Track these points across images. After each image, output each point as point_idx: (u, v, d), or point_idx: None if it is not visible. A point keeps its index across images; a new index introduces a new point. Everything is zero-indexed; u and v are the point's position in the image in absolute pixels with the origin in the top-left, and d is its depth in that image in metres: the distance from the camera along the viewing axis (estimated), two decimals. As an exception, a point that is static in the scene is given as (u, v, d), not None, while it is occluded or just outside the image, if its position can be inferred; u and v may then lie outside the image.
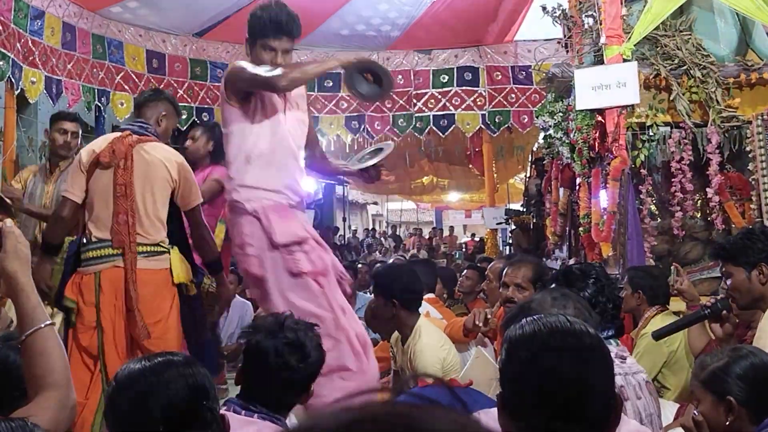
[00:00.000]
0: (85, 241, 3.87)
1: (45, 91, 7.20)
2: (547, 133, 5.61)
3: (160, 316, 3.82)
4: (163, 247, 3.90)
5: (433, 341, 4.12)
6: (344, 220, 20.42)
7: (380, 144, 4.10)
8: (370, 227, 28.94)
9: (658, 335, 3.54)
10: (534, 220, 7.87)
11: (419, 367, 4.07)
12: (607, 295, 2.97)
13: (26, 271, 1.88)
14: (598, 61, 5.12)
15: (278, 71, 3.46)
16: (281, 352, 2.44)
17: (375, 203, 30.22)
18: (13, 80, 6.77)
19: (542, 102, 5.83)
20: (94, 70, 7.87)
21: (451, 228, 25.13)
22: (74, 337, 3.82)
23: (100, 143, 3.99)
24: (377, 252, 20.80)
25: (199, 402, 1.80)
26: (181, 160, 4.01)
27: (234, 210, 3.66)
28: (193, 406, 1.81)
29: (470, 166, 12.39)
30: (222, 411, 2.46)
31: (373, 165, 3.98)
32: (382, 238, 24.35)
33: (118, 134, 4.01)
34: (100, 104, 7.98)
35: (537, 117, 5.58)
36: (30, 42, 7.00)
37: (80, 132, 5.31)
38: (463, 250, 18.72)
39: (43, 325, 1.85)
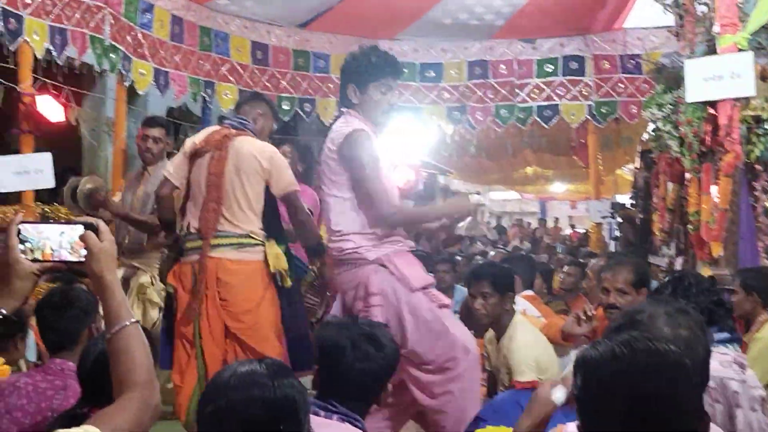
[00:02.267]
0: (185, 231, 3.97)
1: (153, 83, 7.38)
2: (656, 126, 5.39)
3: (249, 306, 3.87)
4: (254, 238, 3.94)
5: (528, 340, 4.02)
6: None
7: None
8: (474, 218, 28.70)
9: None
10: (641, 215, 7.61)
11: (513, 366, 3.98)
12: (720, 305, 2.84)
13: (112, 269, 1.87)
14: (711, 50, 4.88)
15: (396, 211, 3.60)
16: (358, 343, 2.42)
17: (478, 193, 29.92)
18: (123, 72, 6.98)
19: (651, 94, 5.60)
20: (200, 61, 8.02)
21: (556, 219, 24.64)
22: (177, 323, 3.94)
23: (201, 135, 4.09)
24: (479, 243, 20.63)
25: (278, 423, 1.75)
26: (273, 150, 4.05)
27: (348, 263, 3.67)
28: (271, 429, 1.75)
29: (574, 157, 12.10)
30: None
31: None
32: (485, 229, 24.14)
33: (217, 127, 4.10)
34: (205, 95, 8.13)
35: (645, 109, 5.37)
36: (140, 35, 7.18)
37: (164, 136, 5.34)
38: (566, 242, 18.38)
39: (128, 323, 1.84)
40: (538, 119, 9.25)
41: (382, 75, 3.68)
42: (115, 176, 7.04)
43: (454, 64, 9.40)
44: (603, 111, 9.05)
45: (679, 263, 5.47)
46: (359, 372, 2.43)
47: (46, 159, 5.82)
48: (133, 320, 1.87)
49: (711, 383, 2.57)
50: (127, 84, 7.14)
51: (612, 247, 8.97)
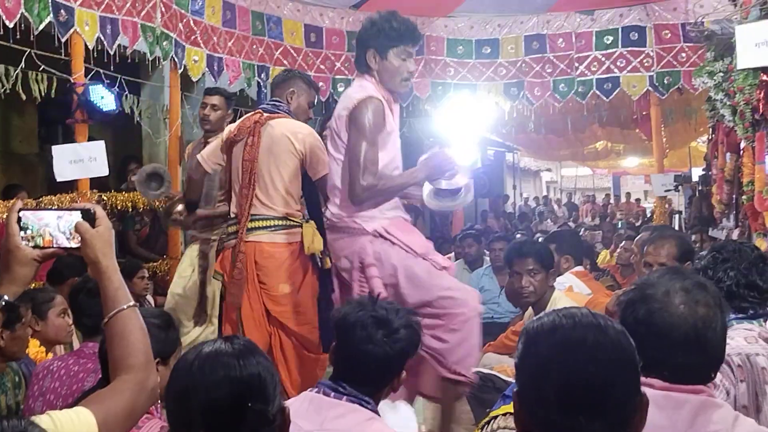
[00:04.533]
0: (229, 217, 4.04)
1: (207, 69, 7.46)
2: (709, 95, 5.21)
3: (288, 289, 3.88)
4: (292, 220, 3.96)
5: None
6: (514, 187, 20.10)
7: (457, 183, 3.79)
8: (544, 194, 28.37)
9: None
10: (699, 187, 7.37)
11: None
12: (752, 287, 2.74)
13: (108, 254, 1.88)
14: (765, 15, 4.68)
15: (372, 181, 3.48)
16: (366, 325, 2.39)
17: (548, 170, 29.55)
18: (176, 60, 7.07)
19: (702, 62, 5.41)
20: (254, 46, 8.07)
21: (628, 194, 24.15)
22: (224, 309, 4.01)
23: (236, 122, 4.13)
24: (548, 220, 20.39)
25: (244, 402, 1.73)
26: (309, 131, 4.05)
27: (345, 231, 3.65)
28: (238, 406, 1.73)
29: (636, 130, 11.79)
30: (313, 393, 2.45)
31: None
32: (555, 206, 23.84)
33: (251, 113, 4.13)
34: (260, 80, 8.18)
35: (695, 77, 5.19)
36: (192, 22, 7.26)
37: (224, 105, 5.48)
38: (639, 217, 18.00)
39: (125, 307, 1.87)
40: (598, 92, 9.04)
41: (402, 41, 3.62)
42: (171, 163, 7.16)
43: (510, 39, 9.25)
44: (665, 82, 8.78)
45: (735, 235, 5.29)
46: (364, 354, 2.41)
47: (99, 147, 5.96)
48: (130, 304, 1.89)
49: (736, 360, 2.47)
50: (180, 71, 7.23)
51: (675, 221, 8.71)
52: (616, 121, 11.74)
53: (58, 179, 5.91)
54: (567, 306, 1.61)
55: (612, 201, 23.38)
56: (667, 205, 9.36)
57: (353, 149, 3.52)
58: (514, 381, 3.42)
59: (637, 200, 23.82)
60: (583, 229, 11.47)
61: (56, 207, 2.00)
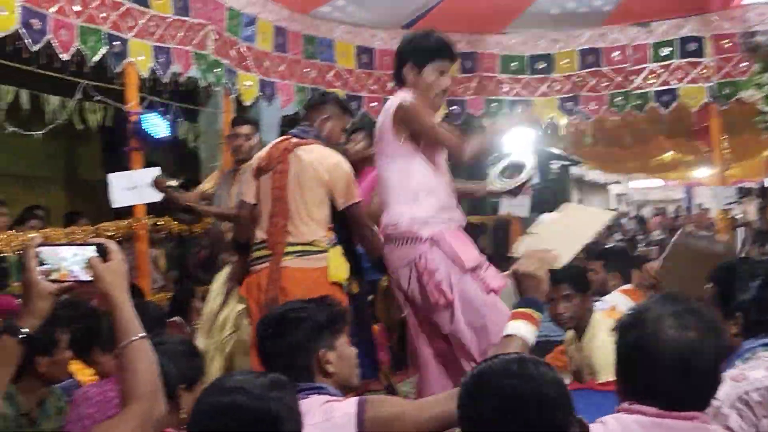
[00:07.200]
0: (252, 242, 4.07)
1: (260, 94, 7.59)
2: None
3: None
4: (318, 246, 3.98)
5: (609, 339, 3.87)
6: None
7: (516, 159, 3.84)
8: (613, 208, 27.87)
9: None
10: (759, 199, 7.18)
11: (595, 366, 3.86)
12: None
13: (119, 286, 1.96)
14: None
15: (461, 141, 3.62)
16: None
17: (617, 182, 29.04)
18: (228, 86, 7.22)
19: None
20: (306, 69, 8.17)
21: (699, 205, 23.52)
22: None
23: (265, 149, 4.18)
24: (617, 234, 20.03)
25: None
26: (337, 159, 4.07)
27: (400, 240, 3.67)
28: None
29: (696, 141, 11.52)
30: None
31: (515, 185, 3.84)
32: (624, 219, 23.39)
33: (279, 139, 4.17)
34: (312, 103, 8.26)
35: (742, 90, 5.07)
36: (243, 48, 7.40)
37: (254, 133, 5.53)
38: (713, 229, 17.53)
39: (135, 338, 1.94)
40: (656, 105, 8.88)
41: (439, 56, 3.68)
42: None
43: (564, 53, 9.17)
44: (725, 93, 8.57)
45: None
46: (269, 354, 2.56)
47: (153, 173, 6.11)
48: (141, 335, 1.96)
49: (755, 397, 2.33)
50: (233, 96, 7.38)
51: (739, 233, 8.49)
52: (677, 133, 11.51)
53: (114, 206, 6.09)
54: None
55: (683, 213, 22.83)
56: (740, 215, 9.10)
57: (426, 134, 3.63)
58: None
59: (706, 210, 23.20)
60: (644, 244, 11.25)
61: (73, 242, 2.08)
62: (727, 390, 2.15)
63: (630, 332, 1.98)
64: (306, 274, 3.95)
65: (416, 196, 3.64)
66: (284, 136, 4.22)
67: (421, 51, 3.69)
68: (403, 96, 3.68)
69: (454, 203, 3.78)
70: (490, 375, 1.74)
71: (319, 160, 4.02)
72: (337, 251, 3.99)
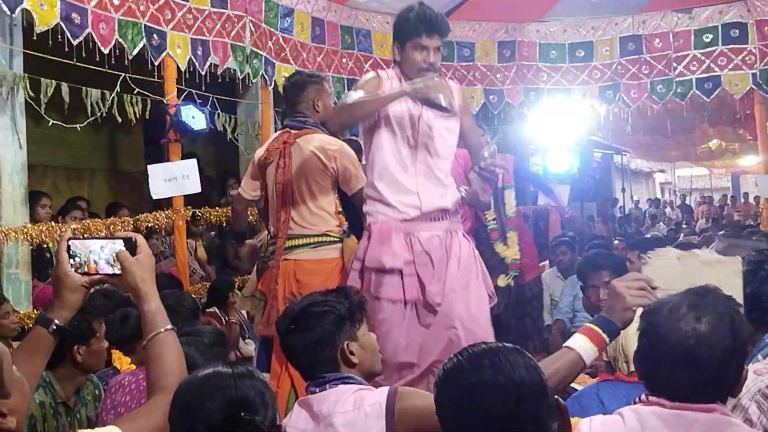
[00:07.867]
0: (268, 238, 4.11)
1: (297, 85, 7.61)
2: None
3: None
4: (331, 236, 3.96)
5: (640, 325, 3.85)
6: (623, 190, 19.61)
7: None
8: (657, 197, 27.52)
9: None
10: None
11: (630, 354, 3.83)
12: None
13: (147, 279, 2.00)
14: None
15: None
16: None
17: (662, 171, 28.68)
18: (266, 77, 7.26)
19: None
20: (343, 60, 8.20)
21: (745, 195, 23.09)
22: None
23: (267, 143, 4.17)
24: (661, 223, 19.78)
25: (237, 416, 1.79)
26: (338, 146, 3.98)
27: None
28: (232, 423, 1.79)
29: (740, 129, 11.32)
30: (302, 399, 2.54)
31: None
32: (668, 208, 23.07)
33: (278, 133, 4.15)
34: (351, 93, 8.27)
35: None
36: (281, 39, 7.44)
37: None
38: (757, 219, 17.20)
39: (162, 330, 1.97)
40: (698, 92, 8.74)
41: (416, 33, 3.57)
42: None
43: (605, 41, 9.07)
44: (770, 79, 8.42)
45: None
46: (295, 347, 2.57)
47: (191, 165, 6.19)
48: (168, 327, 2.00)
49: None
50: (271, 88, 7.42)
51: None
52: (720, 121, 11.31)
53: (154, 197, 6.18)
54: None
55: (729, 202, 22.44)
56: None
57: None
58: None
59: (756, 199, 22.73)
60: (682, 234, 11.09)
61: (102, 236, 2.13)
62: (748, 383, 2.12)
63: (644, 320, 1.99)
64: (321, 265, 3.92)
65: (380, 174, 3.65)
66: (282, 129, 4.16)
67: (399, 29, 3.64)
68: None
69: (424, 194, 3.63)
70: (460, 370, 1.78)
71: (322, 149, 3.94)
72: (353, 240, 3.95)
